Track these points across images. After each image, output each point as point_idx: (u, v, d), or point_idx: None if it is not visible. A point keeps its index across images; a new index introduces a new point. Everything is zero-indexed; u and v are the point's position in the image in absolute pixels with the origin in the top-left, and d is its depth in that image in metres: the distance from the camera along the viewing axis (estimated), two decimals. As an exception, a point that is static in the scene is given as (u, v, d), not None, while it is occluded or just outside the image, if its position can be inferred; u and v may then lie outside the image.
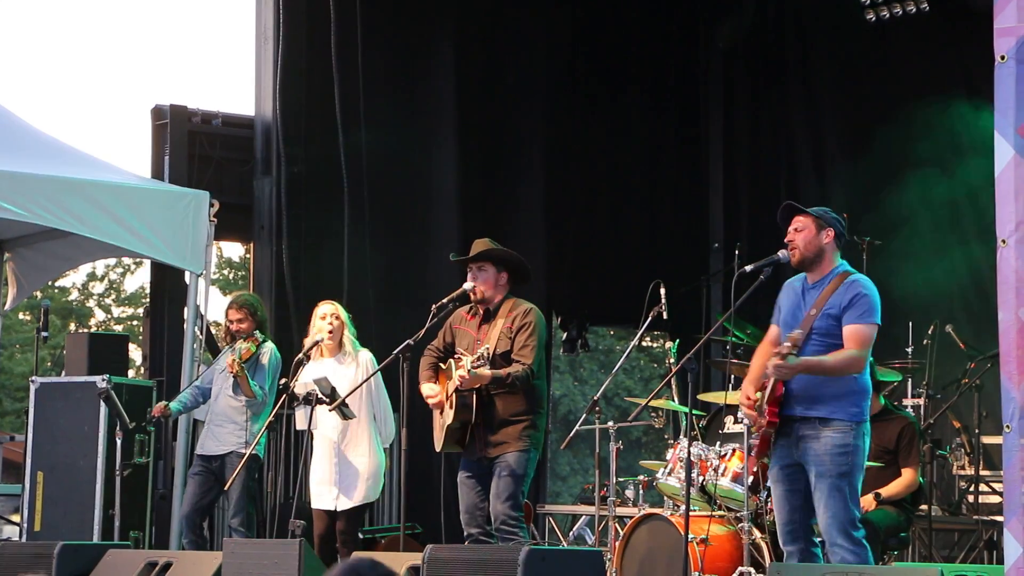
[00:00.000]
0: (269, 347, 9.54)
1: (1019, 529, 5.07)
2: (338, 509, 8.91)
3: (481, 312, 8.25)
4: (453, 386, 8.05)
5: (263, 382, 9.37)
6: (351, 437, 8.95)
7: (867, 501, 8.54)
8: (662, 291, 9.68)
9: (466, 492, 8.17)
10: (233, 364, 9.19)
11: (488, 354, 7.91)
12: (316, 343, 8.96)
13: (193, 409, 9.80)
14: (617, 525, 9.49)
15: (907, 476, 8.86)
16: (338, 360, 9.03)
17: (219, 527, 10.81)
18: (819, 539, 7.05)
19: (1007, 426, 5.13)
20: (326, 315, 9.06)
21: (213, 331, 11.57)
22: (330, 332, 8.99)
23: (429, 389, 8.21)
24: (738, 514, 8.54)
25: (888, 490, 8.76)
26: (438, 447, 8.27)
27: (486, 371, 7.93)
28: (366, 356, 9.06)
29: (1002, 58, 5.12)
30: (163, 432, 10.96)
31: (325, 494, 8.95)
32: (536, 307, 8.23)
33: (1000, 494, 9.85)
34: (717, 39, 13.79)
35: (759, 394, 7.00)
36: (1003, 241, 5.13)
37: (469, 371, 7.86)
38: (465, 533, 8.20)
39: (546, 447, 12.28)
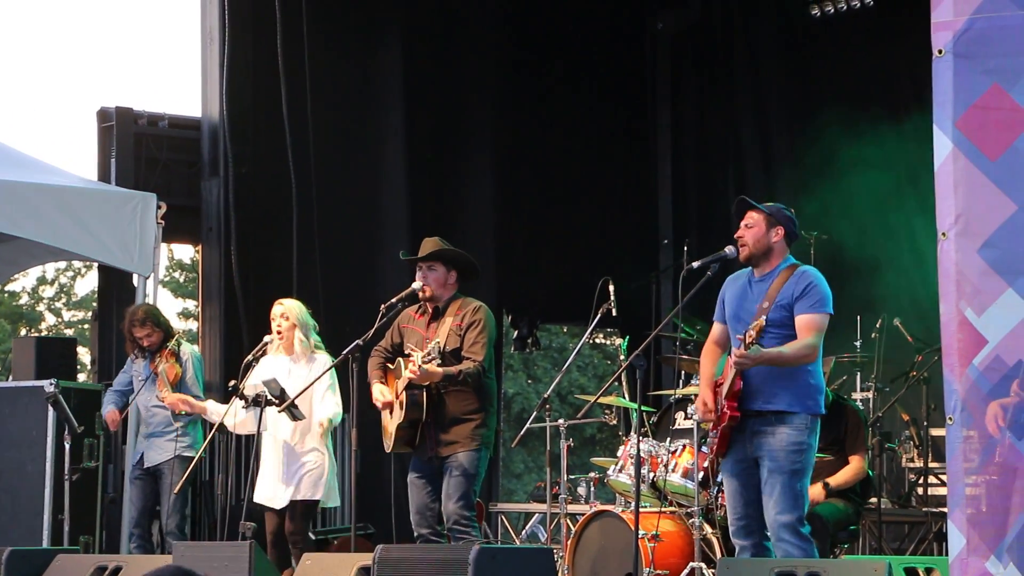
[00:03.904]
0: (187, 352, 9.53)
1: (963, 520, 5.11)
2: (287, 502, 8.83)
3: (430, 310, 8.24)
4: (403, 384, 8.02)
5: (197, 391, 9.39)
6: (299, 438, 8.89)
7: (816, 491, 8.50)
8: (611, 288, 9.68)
9: (416, 492, 8.14)
10: (176, 404, 9.27)
11: (439, 348, 7.88)
12: (265, 345, 8.93)
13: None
14: (569, 522, 9.50)
15: (855, 464, 8.85)
16: (293, 360, 8.97)
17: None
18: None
19: (950, 418, 5.17)
20: (274, 316, 9.01)
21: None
22: (279, 333, 8.95)
23: (379, 392, 8.19)
24: (689, 510, 8.56)
25: (837, 479, 8.73)
26: (388, 447, 8.25)
27: (437, 369, 7.91)
28: (323, 358, 8.95)
29: (939, 52, 5.16)
30: (112, 436, 10.89)
31: (273, 492, 8.89)
32: (485, 305, 8.23)
33: (949, 485, 9.90)
34: (659, 23, 13.80)
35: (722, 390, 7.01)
36: (943, 234, 5.17)
37: (420, 367, 7.84)
38: (415, 533, 8.18)
39: (498, 445, 12.27)
